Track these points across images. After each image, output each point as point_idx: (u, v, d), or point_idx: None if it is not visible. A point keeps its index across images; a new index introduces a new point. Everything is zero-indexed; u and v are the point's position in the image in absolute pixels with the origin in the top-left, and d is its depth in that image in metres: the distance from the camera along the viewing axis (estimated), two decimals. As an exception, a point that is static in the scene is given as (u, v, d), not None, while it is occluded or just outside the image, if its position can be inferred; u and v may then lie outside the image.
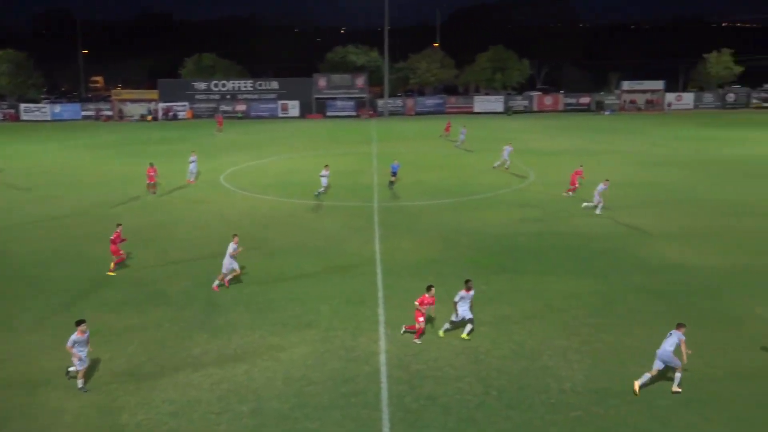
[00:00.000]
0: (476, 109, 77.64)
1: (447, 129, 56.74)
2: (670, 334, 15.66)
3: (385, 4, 75.64)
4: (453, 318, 18.28)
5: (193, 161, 40.01)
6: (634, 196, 34.65)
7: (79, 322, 15.64)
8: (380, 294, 21.41)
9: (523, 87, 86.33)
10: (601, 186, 31.60)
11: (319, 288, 22.03)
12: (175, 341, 18.21)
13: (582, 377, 16.07)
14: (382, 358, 17.11)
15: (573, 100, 78.29)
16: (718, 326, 18.84)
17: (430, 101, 79.71)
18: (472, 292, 18.21)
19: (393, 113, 78.03)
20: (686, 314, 19.60)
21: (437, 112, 77.76)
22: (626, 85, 78.69)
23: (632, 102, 77.69)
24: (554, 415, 14.58)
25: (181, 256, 25.58)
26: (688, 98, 79.36)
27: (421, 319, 18.04)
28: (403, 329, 18.43)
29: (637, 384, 15.45)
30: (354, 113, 77.48)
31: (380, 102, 79.18)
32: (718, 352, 17.29)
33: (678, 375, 15.45)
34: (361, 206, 33.27)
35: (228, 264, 21.74)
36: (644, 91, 78.16)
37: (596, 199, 31.47)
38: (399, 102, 79.87)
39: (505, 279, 22.62)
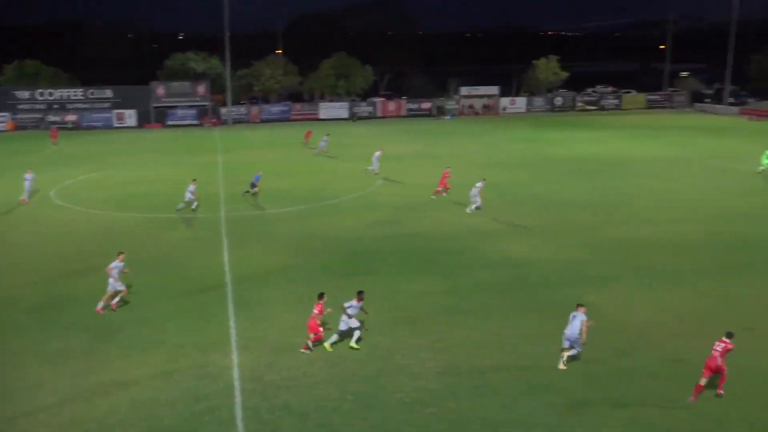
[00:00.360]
0: (322, 116, 78.21)
1: (307, 136, 56.67)
2: (574, 315, 17.05)
3: (225, 10, 74.26)
4: (341, 328, 18.12)
5: (28, 179, 36.88)
6: (467, 195, 36.30)
7: None
8: (230, 307, 20.95)
9: (367, 93, 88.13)
10: (479, 184, 33.19)
11: (165, 305, 21.17)
12: (4, 372, 16.76)
13: (434, 374, 16.61)
14: (236, 372, 16.75)
15: (415, 106, 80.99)
16: (555, 315, 20.19)
17: (276, 108, 79.26)
18: (361, 303, 18.24)
19: (237, 121, 76.72)
20: (527, 306, 20.88)
21: (283, 119, 77.47)
22: (464, 90, 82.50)
23: (470, 107, 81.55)
24: (409, 413, 14.96)
25: (10, 282, 23.59)
26: (521, 102, 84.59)
27: (321, 329, 17.89)
28: (310, 345, 17.74)
29: (561, 365, 16.78)
30: (196, 122, 75.34)
31: (224, 110, 77.62)
32: (556, 339, 18.53)
33: (577, 351, 16.91)
34: (208, 217, 32.38)
35: (113, 284, 20.50)
36: (481, 96, 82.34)
37: (477, 200, 32.82)
38: (243, 110, 78.70)
39: (357, 282, 22.87)
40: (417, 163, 47.15)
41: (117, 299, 20.63)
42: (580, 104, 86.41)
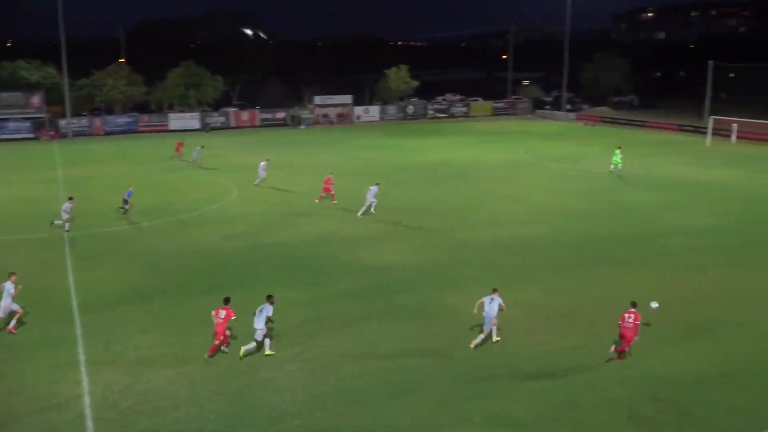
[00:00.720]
0: (172, 127, 75.54)
1: (178, 149, 54.79)
2: (492, 299, 18.74)
3: (59, 14, 69.84)
4: (256, 337, 18.04)
5: None
6: (325, 204, 36.55)
7: None
8: (78, 332, 19.70)
9: (219, 103, 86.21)
10: (373, 188, 34.04)
11: (4, 336, 19.54)
12: None
13: (301, 385, 16.51)
14: (86, 400, 15.77)
15: (269, 116, 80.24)
16: (415, 318, 20.72)
17: (121, 120, 75.58)
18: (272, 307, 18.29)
19: (78, 134, 72.34)
20: (388, 311, 21.26)
21: (129, 131, 74.03)
22: (318, 99, 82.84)
23: (325, 116, 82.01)
24: (276, 427, 14.76)
25: None
26: (374, 111, 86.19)
27: (228, 332, 18.13)
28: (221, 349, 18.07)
29: (473, 344, 18.38)
30: (32, 135, 70.25)
31: (62, 122, 72.96)
32: (417, 340, 19.03)
33: (488, 329, 18.73)
34: (49, 237, 30.27)
35: (7, 306, 19.52)
36: (335, 105, 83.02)
37: (371, 201, 33.75)
38: (85, 122, 74.31)
39: (216, 298, 22.28)
40: (274, 173, 46.73)
41: (14, 321, 19.71)
42: (431, 112, 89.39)
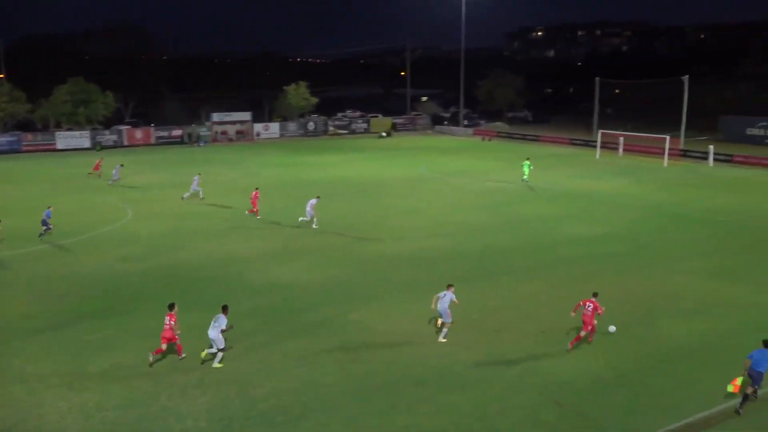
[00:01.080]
0: (60, 146, 72.13)
1: (97, 167, 52.68)
2: (444, 294, 20.11)
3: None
4: (218, 346, 18.44)
5: None
6: (226, 222, 35.88)
7: None
8: (-41, 366, 18.35)
9: (111, 121, 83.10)
10: (313, 201, 34.71)
11: None
12: None
13: (204, 411, 16.02)
14: (-30, 440, 14.67)
15: (165, 133, 78.07)
16: (321, 335, 20.58)
17: (2, 139, 71.56)
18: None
19: (-45, 155, 67.91)
20: (293, 329, 21.00)
21: (12, 151, 70.10)
22: (216, 116, 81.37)
23: (224, 133, 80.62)
24: (180, 455, 14.23)
25: None
26: (274, 128, 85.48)
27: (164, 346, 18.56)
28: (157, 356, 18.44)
29: (440, 339, 20.06)
30: None
31: (-65, 142, 68.25)
32: (323, 357, 18.89)
33: (445, 330, 20.13)
34: (-77, 266, 28.13)
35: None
36: (234, 122, 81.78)
37: (310, 213, 34.35)
38: (-39, 142, 69.91)
39: (112, 323, 21.37)
40: (170, 192, 45.44)
41: None
42: (331, 129, 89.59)
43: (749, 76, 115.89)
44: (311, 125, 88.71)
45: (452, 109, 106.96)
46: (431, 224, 35.70)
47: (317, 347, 19.62)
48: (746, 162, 59.32)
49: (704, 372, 18.21)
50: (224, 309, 18.66)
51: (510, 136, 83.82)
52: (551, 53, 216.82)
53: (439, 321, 20.55)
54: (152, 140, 77.70)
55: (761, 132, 74.12)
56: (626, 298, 24.03)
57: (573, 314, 20.44)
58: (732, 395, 16.54)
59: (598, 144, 66.91)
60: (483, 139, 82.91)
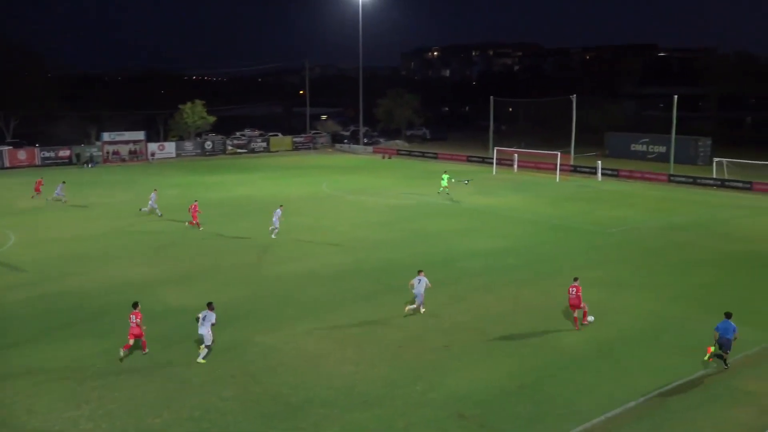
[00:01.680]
0: (-67, 169, 67.43)
1: (38, 187, 50.37)
2: (419, 279, 23.66)
3: None
4: (206, 342, 19.97)
5: None
6: (122, 246, 34.52)
7: None
8: None
9: (-10, 141, 78.52)
10: (278, 210, 37.17)
11: None
12: None
13: (97, 445, 15.18)
14: None
15: (52, 154, 74.39)
16: (223, 360, 20.00)
17: None
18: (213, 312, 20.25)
19: None
20: (192, 356, 20.30)
21: None
22: (107, 136, 78.34)
23: (116, 153, 77.70)
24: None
25: None
26: (170, 147, 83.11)
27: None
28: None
29: (405, 311, 23.59)
30: None
31: None
32: (225, 381, 18.36)
33: (419, 302, 23.86)
34: None
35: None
36: (127, 142, 78.95)
37: (276, 223, 36.48)
38: None
39: (-6, 358, 19.98)
40: (55, 216, 43.26)
41: None
42: (230, 148, 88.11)
43: (630, 95, 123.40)
44: (209, 144, 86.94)
45: (352, 128, 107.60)
46: (334, 241, 35.61)
47: (220, 372, 19.05)
48: (631, 176, 62.72)
49: (601, 378, 18.96)
50: (210, 305, 20.35)
51: (409, 154, 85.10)
52: (447, 73, 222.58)
53: (416, 304, 23.88)
54: (37, 161, 73.87)
55: (643, 148, 78.64)
56: (525, 309, 24.73)
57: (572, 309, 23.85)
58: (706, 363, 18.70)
59: (494, 161, 69.00)
60: (383, 157, 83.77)
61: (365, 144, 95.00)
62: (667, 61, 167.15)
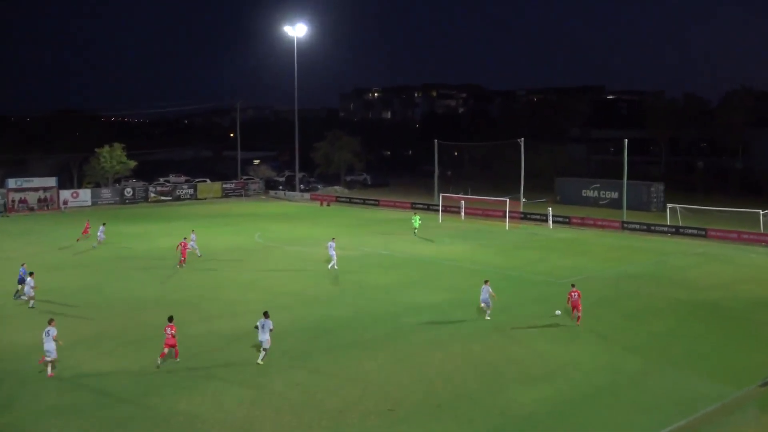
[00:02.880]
0: None
1: (86, 230, 53.71)
2: (483, 288, 31.16)
3: None
4: (264, 347, 24.79)
5: None
6: (21, 304, 33.35)
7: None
8: None
9: None
10: (331, 243, 42.92)
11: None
12: None
13: None
14: None
15: (-52, 203, 72.01)
16: (139, 430, 19.31)
17: None
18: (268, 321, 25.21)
19: None
20: (107, 427, 19.55)
21: None
22: (13, 182, 76.26)
23: (23, 201, 75.57)
24: None
25: None
26: (85, 194, 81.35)
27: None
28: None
29: None
30: None
31: None
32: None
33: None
34: None
35: (52, 349, 23.73)
36: (36, 189, 77.01)
37: (333, 256, 42.00)
38: None
39: None
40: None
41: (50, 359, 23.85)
42: (153, 195, 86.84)
43: (578, 139, 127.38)
44: (129, 191, 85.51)
45: (287, 173, 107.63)
46: (268, 296, 35.16)
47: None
48: (583, 224, 64.27)
49: (555, 439, 19.01)
50: (266, 314, 25.28)
51: (349, 201, 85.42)
52: (388, 114, 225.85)
53: (482, 306, 31.05)
54: (-69, 211, 71.16)
55: (595, 194, 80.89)
56: (475, 366, 24.77)
57: (568, 304, 30.65)
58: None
59: (440, 208, 69.84)
60: (321, 204, 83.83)
61: (302, 190, 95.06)
62: (615, 103, 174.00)
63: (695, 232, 57.94)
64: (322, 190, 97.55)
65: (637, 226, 61.39)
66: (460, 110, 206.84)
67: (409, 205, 78.43)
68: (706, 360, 25.60)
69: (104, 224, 53.87)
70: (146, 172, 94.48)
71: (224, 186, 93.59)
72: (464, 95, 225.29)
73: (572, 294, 30.52)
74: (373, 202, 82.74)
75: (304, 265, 43.87)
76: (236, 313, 32.08)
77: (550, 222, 64.42)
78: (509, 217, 63.76)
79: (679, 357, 26.01)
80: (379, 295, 35.84)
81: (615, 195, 76.44)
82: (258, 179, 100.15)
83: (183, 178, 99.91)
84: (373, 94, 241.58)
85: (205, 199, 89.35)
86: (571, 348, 27.02)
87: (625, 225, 62.17)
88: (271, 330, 24.98)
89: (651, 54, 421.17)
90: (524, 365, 24.93)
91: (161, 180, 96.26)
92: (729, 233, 56.24)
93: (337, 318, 31.28)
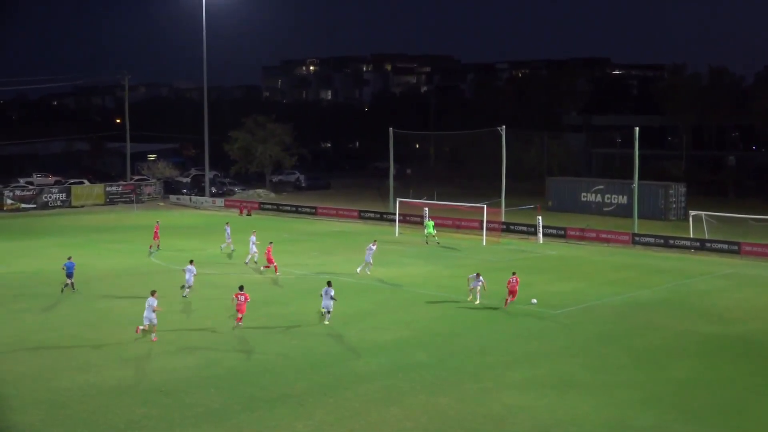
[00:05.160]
0: None
1: (156, 235, 58.25)
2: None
3: None
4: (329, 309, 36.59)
5: None
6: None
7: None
8: None
9: None
10: (372, 246, 49.78)
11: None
12: None
13: None
14: None
15: None
16: None
17: None
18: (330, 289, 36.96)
19: None
20: None
21: None
22: None
23: None
24: None
25: None
26: None
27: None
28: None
29: None
30: None
31: None
32: None
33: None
34: None
35: (150, 318, 34.13)
36: None
37: (370, 259, 49.04)
38: None
39: None
40: None
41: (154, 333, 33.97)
42: (10, 202, 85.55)
43: (577, 127, 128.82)
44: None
45: (193, 172, 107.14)
46: (171, 335, 34.99)
47: None
48: (582, 237, 65.22)
49: None
50: (329, 283, 37.55)
51: (277, 209, 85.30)
52: (328, 95, 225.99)
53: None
54: None
55: (597, 198, 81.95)
56: (442, 424, 25.05)
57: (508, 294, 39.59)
58: None
59: (397, 217, 70.02)
60: (240, 213, 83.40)
61: (213, 195, 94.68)
62: (623, 81, 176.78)
63: (725, 247, 59.15)
64: (241, 194, 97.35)
65: (652, 240, 62.56)
66: (423, 89, 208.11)
67: (356, 214, 78.49)
68: (738, 414, 26.25)
69: (227, 223, 55.47)
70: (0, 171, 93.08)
71: (108, 189, 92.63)
72: (428, 69, 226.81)
73: (512, 280, 40.19)
74: (308, 210, 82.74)
75: (218, 294, 43.70)
76: (128, 357, 31.85)
77: (540, 235, 65.22)
78: (487, 228, 64.31)
79: (705, 410, 26.58)
80: (317, 332, 35.93)
81: (623, 200, 77.72)
82: (154, 180, 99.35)
83: (52, 179, 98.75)
84: (308, 68, 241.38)
85: (83, 206, 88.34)
86: (567, 399, 27.48)
87: (637, 238, 63.30)
88: (332, 297, 36.94)
89: (667, 19, 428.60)
90: (507, 424, 25.27)
91: (21, 182, 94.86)
92: (768, 248, 57.63)
93: (262, 362, 31.28)
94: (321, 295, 37.08)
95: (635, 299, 43.57)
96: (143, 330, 34.41)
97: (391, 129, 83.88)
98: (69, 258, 44.61)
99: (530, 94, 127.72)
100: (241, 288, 36.70)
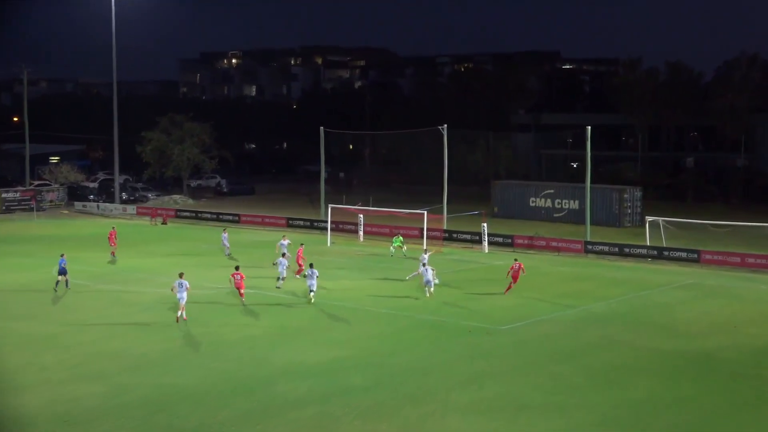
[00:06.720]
0: None
1: (112, 241, 59.56)
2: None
3: None
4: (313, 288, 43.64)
5: None
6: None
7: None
8: None
9: None
10: (424, 256, 51.73)
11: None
12: None
13: None
14: None
15: None
16: None
17: None
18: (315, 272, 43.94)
19: None
20: None
21: None
22: None
23: None
24: None
25: None
26: None
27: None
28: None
29: None
30: None
31: None
32: None
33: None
34: None
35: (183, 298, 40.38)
36: None
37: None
38: None
39: None
40: None
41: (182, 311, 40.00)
42: None
43: (524, 126, 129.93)
44: None
45: (101, 176, 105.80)
46: (77, 360, 34.46)
47: None
48: (531, 245, 65.76)
49: None
50: (311, 265, 44.54)
51: (196, 216, 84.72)
52: (252, 91, 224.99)
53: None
54: None
55: (547, 203, 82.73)
56: (379, 454, 24.94)
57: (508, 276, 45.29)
58: None
59: (329, 225, 69.95)
60: (153, 222, 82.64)
61: (124, 201, 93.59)
62: (574, 76, 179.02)
63: (684, 255, 60.09)
64: (156, 200, 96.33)
65: (606, 248, 63.32)
66: (358, 84, 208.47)
67: (284, 222, 78.27)
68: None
69: (224, 230, 55.66)
70: None
71: (5, 196, 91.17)
72: (363, 63, 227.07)
73: (514, 266, 46.53)
74: (231, 217, 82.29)
75: (128, 312, 43.20)
76: (26, 386, 31.21)
77: (486, 244, 65.60)
78: (428, 237, 64.51)
79: None
80: (241, 354, 35.62)
81: (575, 205, 78.59)
82: (57, 185, 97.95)
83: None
84: (230, 61, 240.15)
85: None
86: (518, 423, 27.56)
87: (590, 247, 63.98)
88: (317, 276, 44.40)
89: (621, 9, 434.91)
90: (451, 450, 25.24)
91: None
92: (730, 256, 58.66)
93: (179, 388, 30.89)
94: (305, 276, 45.94)
95: (589, 313, 43.96)
96: (181, 316, 40.04)
97: (322, 128, 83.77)
98: (62, 255, 48.98)
99: (474, 91, 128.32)
100: (237, 268, 44.11)
